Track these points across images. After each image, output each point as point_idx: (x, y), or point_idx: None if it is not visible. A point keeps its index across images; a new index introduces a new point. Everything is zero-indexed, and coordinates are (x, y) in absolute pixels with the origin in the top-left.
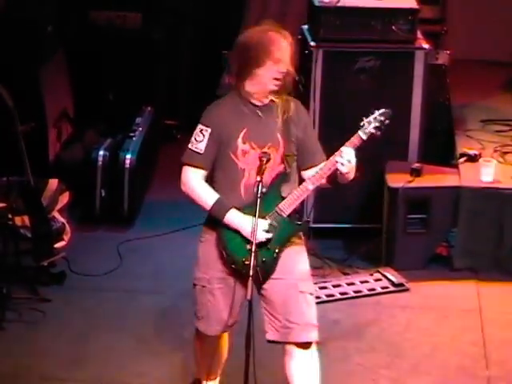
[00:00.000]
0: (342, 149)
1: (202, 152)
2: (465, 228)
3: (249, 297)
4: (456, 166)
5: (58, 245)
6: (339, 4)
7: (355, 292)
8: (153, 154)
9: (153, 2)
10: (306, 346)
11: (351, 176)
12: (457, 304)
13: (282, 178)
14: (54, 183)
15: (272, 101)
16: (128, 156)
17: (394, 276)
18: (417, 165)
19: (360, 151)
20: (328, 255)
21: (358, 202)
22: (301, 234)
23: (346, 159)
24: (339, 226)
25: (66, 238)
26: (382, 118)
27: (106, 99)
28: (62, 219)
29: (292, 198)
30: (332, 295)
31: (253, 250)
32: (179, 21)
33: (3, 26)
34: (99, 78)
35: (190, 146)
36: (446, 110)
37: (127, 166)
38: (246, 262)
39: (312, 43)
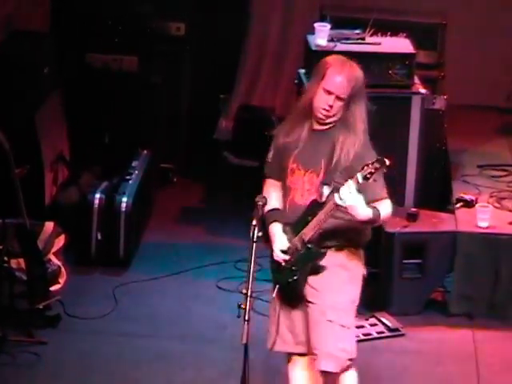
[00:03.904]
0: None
1: (269, 161)
2: (461, 273)
3: (244, 340)
4: (452, 211)
5: (53, 288)
6: (336, 48)
7: None
8: (149, 197)
9: (149, 46)
10: (325, 373)
11: (356, 215)
12: (452, 349)
13: (316, 206)
14: (49, 226)
15: (330, 128)
16: (124, 199)
17: (389, 321)
18: (413, 210)
19: None
20: None
21: None
22: (358, 258)
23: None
24: None
25: (62, 280)
26: (378, 166)
27: (102, 142)
28: (57, 262)
29: (312, 224)
30: None
31: (248, 293)
32: (176, 65)
33: None
34: (96, 121)
35: None
36: (443, 155)
37: (123, 209)
38: (289, 280)
39: None
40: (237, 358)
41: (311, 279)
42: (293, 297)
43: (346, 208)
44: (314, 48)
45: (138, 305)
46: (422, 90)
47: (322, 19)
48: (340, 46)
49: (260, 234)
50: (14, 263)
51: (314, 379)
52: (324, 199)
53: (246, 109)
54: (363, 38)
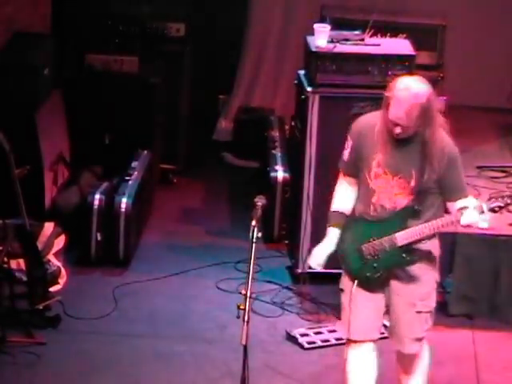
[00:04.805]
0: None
1: (345, 159)
2: (460, 274)
3: (244, 341)
4: None
5: (53, 288)
6: (336, 50)
7: None
8: (149, 197)
9: (149, 47)
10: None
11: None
12: (452, 350)
13: (408, 212)
14: (49, 227)
15: (415, 133)
16: (124, 200)
17: (389, 321)
18: None
19: None
20: (324, 300)
21: None
22: (431, 252)
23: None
24: (335, 272)
25: (62, 281)
26: (509, 201)
27: (102, 143)
28: (57, 263)
29: (411, 232)
30: (327, 340)
31: (247, 294)
32: (176, 65)
33: None
34: (96, 121)
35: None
36: None
37: (123, 209)
38: (368, 275)
39: (308, 88)
40: (236, 358)
41: (396, 273)
42: (369, 289)
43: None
44: (313, 49)
45: (137, 305)
46: None
47: (322, 20)
48: (340, 47)
49: (259, 234)
50: (14, 264)
51: (376, 363)
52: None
53: (246, 110)
54: (363, 39)
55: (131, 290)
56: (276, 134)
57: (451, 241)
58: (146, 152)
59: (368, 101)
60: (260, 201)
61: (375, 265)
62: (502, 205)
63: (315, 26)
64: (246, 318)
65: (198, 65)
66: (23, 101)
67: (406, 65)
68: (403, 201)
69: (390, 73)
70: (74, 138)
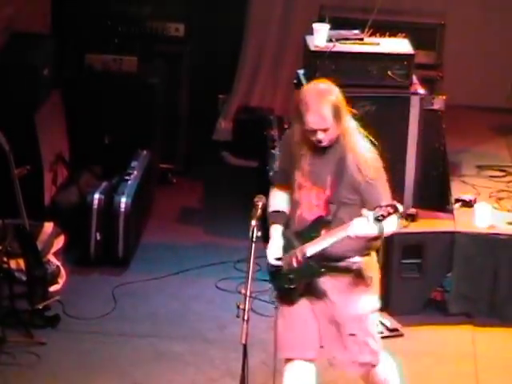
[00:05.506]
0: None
1: (276, 169)
2: (460, 273)
3: (243, 340)
4: (451, 212)
5: (52, 288)
6: (335, 49)
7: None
8: (148, 197)
9: (149, 47)
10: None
11: (363, 239)
12: (451, 349)
13: (321, 222)
14: (49, 226)
15: (332, 144)
16: (123, 199)
17: (388, 321)
18: (412, 210)
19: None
20: None
21: None
22: (370, 264)
23: (353, 231)
24: None
25: (61, 281)
26: (391, 211)
27: (101, 143)
28: (56, 262)
29: (317, 242)
30: None
31: (247, 293)
32: (175, 65)
33: None
34: (95, 121)
35: None
36: (441, 155)
37: (122, 209)
38: (285, 286)
39: None
40: (236, 357)
41: (327, 292)
42: (294, 302)
43: (356, 237)
44: (312, 48)
45: (137, 305)
46: (421, 91)
47: (321, 20)
48: (339, 47)
49: (259, 234)
50: (13, 264)
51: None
52: (331, 217)
53: (245, 109)
54: (362, 39)
55: (131, 289)
56: (275, 133)
57: (450, 240)
58: (145, 152)
59: (367, 100)
60: (260, 200)
61: (291, 276)
62: (385, 214)
63: (314, 25)
64: (245, 318)
65: (197, 65)
66: (23, 101)
67: (404, 64)
68: (321, 212)
69: (389, 72)
70: (73, 138)
